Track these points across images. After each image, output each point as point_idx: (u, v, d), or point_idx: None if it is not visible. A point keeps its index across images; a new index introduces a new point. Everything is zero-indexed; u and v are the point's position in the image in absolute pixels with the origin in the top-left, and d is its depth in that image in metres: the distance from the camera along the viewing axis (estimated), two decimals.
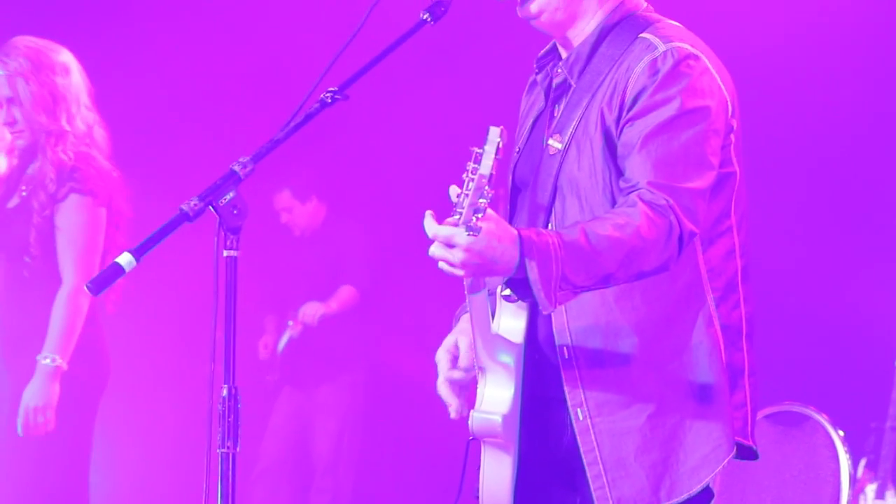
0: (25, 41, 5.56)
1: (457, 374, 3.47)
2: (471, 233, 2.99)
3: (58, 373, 5.34)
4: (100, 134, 5.60)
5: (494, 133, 3.02)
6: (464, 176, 3.02)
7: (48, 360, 5.34)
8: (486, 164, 3.00)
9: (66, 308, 5.34)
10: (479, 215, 2.99)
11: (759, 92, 6.75)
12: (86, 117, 5.57)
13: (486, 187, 3.00)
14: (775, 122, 7.04)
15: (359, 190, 8.26)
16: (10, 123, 5.53)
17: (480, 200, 3.00)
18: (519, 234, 3.08)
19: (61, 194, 5.44)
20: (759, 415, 6.09)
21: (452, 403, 3.47)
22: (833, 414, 6.15)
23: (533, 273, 3.07)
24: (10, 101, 5.51)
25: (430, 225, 3.06)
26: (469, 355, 3.43)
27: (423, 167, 7.66)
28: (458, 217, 3.02)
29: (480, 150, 3.01)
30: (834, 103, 7.00)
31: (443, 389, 3.48)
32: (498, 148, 3.02)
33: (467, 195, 3.00)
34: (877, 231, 6.96)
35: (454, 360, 3.49)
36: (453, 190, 3.07)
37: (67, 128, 5.51)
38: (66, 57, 5.59)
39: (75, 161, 5.49)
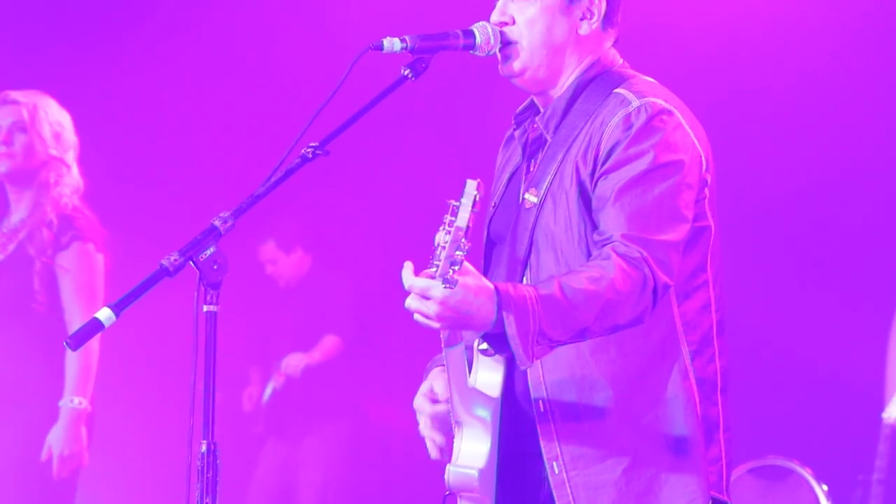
0: (39, 93, 5.68)
1: (441, 408, 3.49)
2: (447, 286, 3.01)
3: (83, 414, 5.42)
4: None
5: (471, 186, 3.04)
6: (441, 229, 3.04)
7: (73, 403, 5.39)
8: (463, 217, 3.01)
9: (81, 352, 5.38)
10: (456, 268, 3.01)
11: (736, 145, 6.80)
12: (77, 175, 5.65)
13: (463, 240, 3.02)
14: (757, 175, 7.07)
15: (344, 240, 8.27)
16: (4, 142, 5.59)
17: (457, 253, 3.01)
18: (496, 288, 3.10)
19: (63, 242, 5.51)
20: (743, 468, 6.11)
21: (436, 438, 3.48)
22: (817, 468, 6.15)
23: (511, 328, 3.09)
24: (15, 124, 5.58)
25: (407, 276, 3.08)
26: (446, 395, 3.44)
27: (408, 217, 7.67)
28: (434, 269, 3.03)
29: (457, 203, 3.03)
30: (816, 159, 7.03)
31: (426, 430, 3.49)
32: (475, 201, 3.03)
33: (444, 248, 3.02)
34: (861, 282, 6.98)
35: (434, 400, 3.50)
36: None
37: (72, 164, 5.59)
38: (69, 119, 5.70)
39: (73, 209, 5.57)
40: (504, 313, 3.08)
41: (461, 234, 3.01)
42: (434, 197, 7.81)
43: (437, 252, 3.02)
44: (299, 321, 8.24)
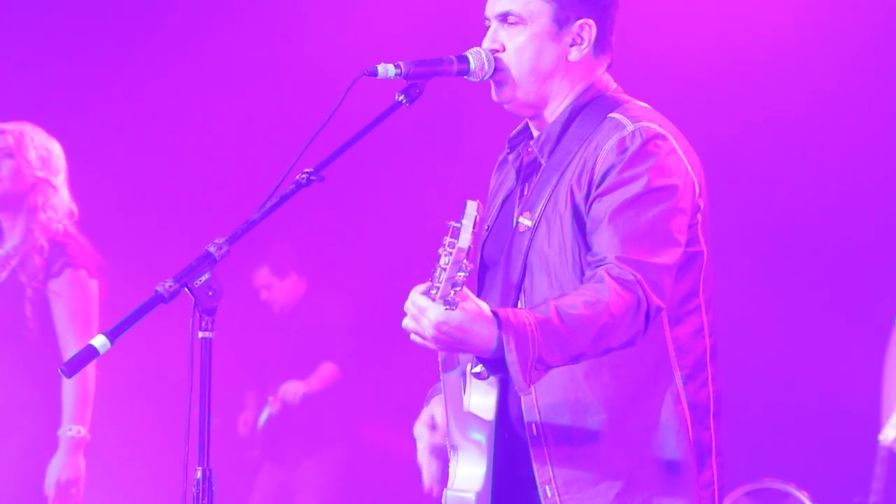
0: (26, 123, 5.69)
1: (439, 439, 3.52)
2: (448, 307, 3.02)
3: (82, 443, 5.42)
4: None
5: (472, 207, 3.05)
6: (440, 250, 3.05)
7: (72, 432, 5.38)
8: (465, 238, 3.02)
9: (77, 380, 5.38)
10: (458, 289, 3.02)
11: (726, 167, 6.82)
12: (69, 206, 5.65)
13: (465, 261, 3.03)
14: (752, 198, 7.08)
15: (338, 263, 8.28)
16: None
17: (459, 274, 3.02)
18: (496, 314, 3.11)
19: (55, 269, 5.50)
20: (739, 491, 6.10)
21: (432, 468, 3.52)
22: (814, 490, 6.14)
23: (511, 355, 3.10)
24: (1, 151, 5.60)
25: (414, 294, 3.08)
26: (444, 413, 3.45)
27: (402, 239, 7.69)
28: (434, 291, 3.04)
29: (458, 224, 3.04)
30: (810, 182, 7.05)
31: (424, 458, 3.52)
32: (475, 222, 3.05)
33: (444, 269, 3.02)
34: (856, 304, 6.98)
35: (434, 428, 3.52)
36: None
37: (61, 188, 5.59)
38: (60, 147, 5.71)
39: (64, 235, 5.56)
40: (504, 340, 3.09)
41: (462, 255, 3.02)
42: (427, 219, 7.85)
43: (437, 273, 3.04)
44: (295, 346, 8.24)
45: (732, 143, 6.84)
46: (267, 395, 8.24)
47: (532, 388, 3.28)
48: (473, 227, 3.03)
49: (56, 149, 5.70)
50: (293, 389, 8.10)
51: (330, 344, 8.19)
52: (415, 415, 3.64)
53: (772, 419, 7.13)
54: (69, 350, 5.41)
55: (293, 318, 8.30)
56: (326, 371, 8.15)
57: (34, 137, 5.66)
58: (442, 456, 3.48)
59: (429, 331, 3.06)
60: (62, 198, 5.64)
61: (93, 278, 5.53)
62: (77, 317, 5.45)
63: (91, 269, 5.54)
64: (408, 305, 3.08)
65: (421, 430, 3.54)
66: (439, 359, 3.29)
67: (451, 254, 3.02)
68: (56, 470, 5.39)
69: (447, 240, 3.03)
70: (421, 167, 7.77)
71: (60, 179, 5.67)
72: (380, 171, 7.75)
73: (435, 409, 3.55)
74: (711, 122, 6.49)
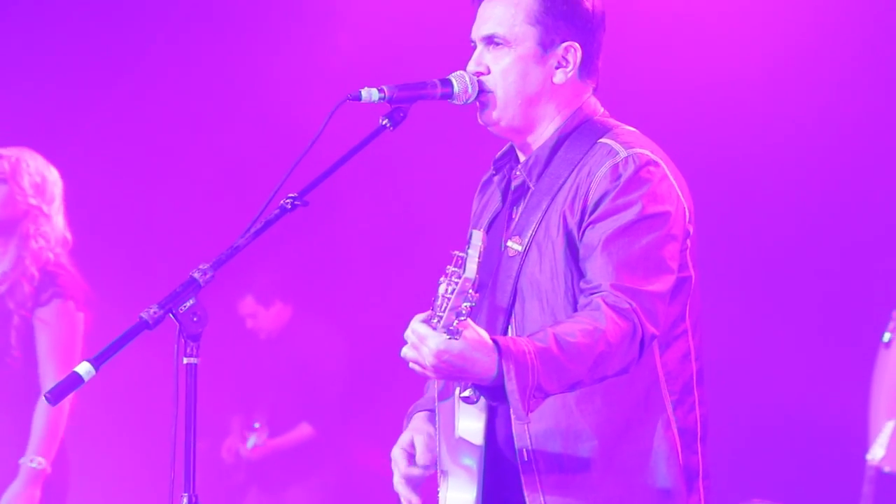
0: (24, 149, 5.67)
1: (415, 472, 3.50)
2: (451, 336, 3.01)
3: (41, 476, 5.35)
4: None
5: (477, 237, 3.05)
6: (441, 279, 3.04)
7: (34, 464, 5.34)
8: (471, 269, 3.02)
9: (49, 411, 5.34)
10: (462, 319, 3.02)
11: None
12: (63, 234, 5.63)
13: (470, 291, 3.02)
14: (738, 219, 7.09)
15: (323, 288, 8.27)
16: None
17: (464, 304, 3.02)
18: (496, 343, 3.10)
19: (43, 298, 5.48)
20: None
21: (412, 500, 3.49)
22: None
23: (511, 384, 3.09)
24: None
25: (414, 322, 3.08)
26: (426, 453, 3.44)
27: (387, 261, 7.68)
28: (436, 320, 3.03)
29: (463, 254, 3.04)
30: (795, 203, 7.06)
31: (401, 487, 3.50)
32: (480, 252, 3.04)
33: (449, 298, 3.02)
34: (844, 324, 6.98)
35: (411, 457, 3.51)
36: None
37: (55, 216, 5.57)
38: (59, 179, 5.72)
39: (54, 264, 5.54)
40: (504, 368, 3.08)
41: (469, 285, 3.02)
42: (409, 242, 7.81)
43: (440, 303, 3.04)
44: (282, 371, 8.22)
45: (719, 165, 6.85)
46: (253, 420, 8.21)
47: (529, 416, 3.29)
48: (479, 257, 3.03)
49: (52, 176, 5.68)
50: (256, 444, 8.13)
51: (317, 369, 8.18)
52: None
53: (759, 439, 7.12)
54: (47, 379, 5.39)
55: (280, 345, 8.29)
56: (303, 431, 8.16)
57: (30, 164, 5.65)
58: (418, 487, 3.47)
59: (429, 359, 3.05)
60: (55, 226, 5.62)
61: (80, 310, 5.51)
62: (60, 347, 5.43)
63: (79, 301, 5.51)
64: (408, 334, 3.08)
65: (398, 456, 3.53)
66: (437, 387, 3.29)
67: (455, 283, 3.02)
68: (9, 499, 5.33)
69: (450, 269, 3.03)
70: (401, 189, 7.76)
71: (55, 207, 5.66)
72: (359, 195, 7.74)
73: (416, 433, 3.54)
74: (697, 147, 6.50)
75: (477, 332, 3.07)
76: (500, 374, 3.08)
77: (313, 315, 8.34)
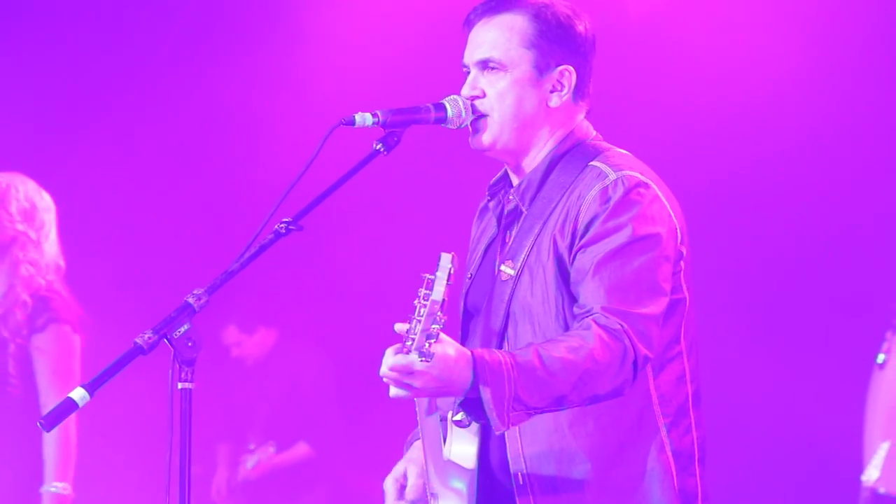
0: (21, 175, 5.68)
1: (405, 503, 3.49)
2: (423, 358, 3.02)
3: (67, 500, 5.35)
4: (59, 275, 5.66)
5: (446, 259, 3.05)
6: (415, 302, 3.04)
7: (55, 489, 5.33)
8: (439, 290, 3.02)
9: (59, 436, 5.33)
10: (433, 341, 3.02)
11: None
12: (55, 259, 5.61)
13: (439, 313, 3.03)
14: (733, 238, 7.09)
15: (306, 311, 8.24)
16: None
17: (433, 326, 3.02)
18: (472, 354, 3.11)
19: (39, 325, 5.47)
20: None
21: None
22: None
23: (486, 393, 3.10)
24: None
25: (386, 358, 3.08)
26: (417, 487, 3.44)
27: (370, 283, 7.67)
28: (410, 342, 3.04)
29: (432, 277, 3.04)
30: (790, 222, 7.07)
31: None
32: (450, 274, 3.04)
33: (419, 321, 3.03)
34: (838, 345, 6.98)
35: (401, 489, 3.51)
36: (400, 327, 3.09)
37: (44, 242, 5.55)
38: (51, 203, 5.72)
39: (47, 289, 5.52)
40: (479, 379, 3.10)
41: (437, 307, 3.02)
42: (388, 264, 7.77)
43: (412, 325, 3.03)
44: (270, 395, 8.21)
45: (712, 187, 6.86)
46: (243, 446, 8.19)
47: (516, 435, 3.29)
48: (448, 280, 3.03)
49: (43, 202, 5.65)
50: (256, 461, 8.10)
51: (307, 389, 8.17)
52: (394, 460, 3.63)
53: (754, 461, 7.12)
54: (50, 405, 5.37)
55: (267, 369, 8.28)
56: (300, 450, 8.15)
57: (20, 189, 5.63)
58: None
59: (415, 383, 3.07)
60: (45, 252, 5.59)
61: (76, 333, 5.50)
62: (60, 372, 5.42)
63: (74, 324, 5.50)
64: (383, 370, 3.08)
65: (389, 487, 3.54)
66: (418, 405, 3.29)
67: (425, 305, 3.02)
68: None
69: (422, 291, 3.03)
70: (378, 212, 7.73)
71: (45, 233, 5.63)
72: (339, 217, 7.72)
73: (410, 463, 3.53)
74: (690, 169, 6.51)
75: (451, 349, 3.08)
76: (476, 385, 3.10)
77: (298, 337, 8.33)
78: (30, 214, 5.61)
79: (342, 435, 8.25)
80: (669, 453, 3.38)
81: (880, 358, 6.01)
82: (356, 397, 8.03)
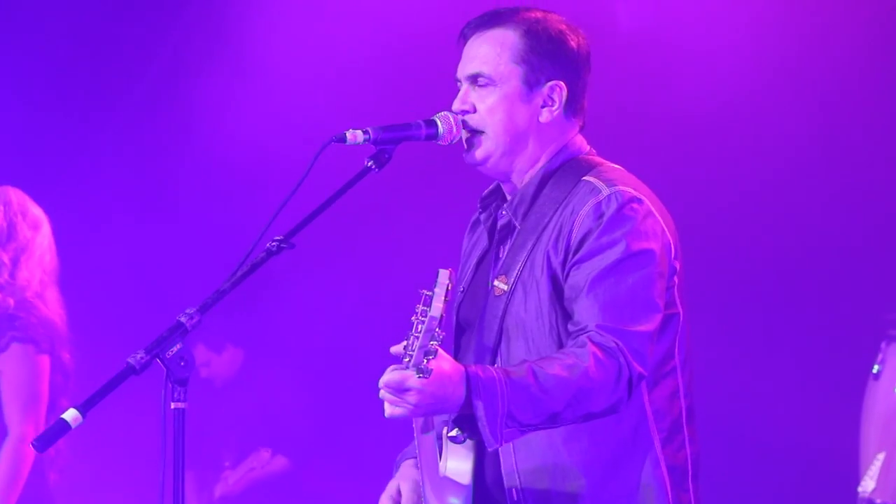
0: (13, 188, 5.62)
1: None
2: (422, 375, 3.02)
3: None
4: (52, 296, 5.60)
5: (444, 276, 3.05)
6: (413, 318, 3.04)
7: None
8: (437, 307, 3.03)
9: (11, 459, 5.33)
10: (431, 357, 3.02)
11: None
12: (39, 276, 5.57)
13: (437, 329, 3.03)
14: (727, 250, 7.10)
15: (273, 329, 8.20)
16: None
17: (432, 343, 3.03)
18: (466, 370, 3.12)
19: (2, 343, 5.44)
20: None
21: None
22: None
23: (479, 410, 3.11)
24: None
25: (387, 374, 3.09)
26: (412, 499, 3.43)
27: (341, 300, 7.66)
28: (407, 359, 3.04)
29: (430, 293, 3.04)
30: (785, 234, 7.07)
31: None
32: (447, 290, 3.05)
33: (417, 337, 3.03)
34: (834, 355, 6.98)
35: None
36: (395, 349, 3.09)
37: (6, 262, 5.51)
38: (40, 216, 5.65)
39: (15, 308, 5.48)
40: (473, 394, 3.10)
41: (435, 323, 3.03)
42: (365, 280, 7.72)
43: (410, 341, 3.04)
44: (243, 415, 8.18)
45: (707, 201, 6.87)
46: (218, 466, 8.17)
47: (510, 451, 3.29)
48: (446, 296, 3.04)
49: (28, 219, 5.60)
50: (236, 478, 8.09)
51: (278, 412, 8.13)
52: (371, 474, 3.63)
53: (749, 473, 7.11)
54: (12, 424, 5.37)
55: (237, 388, 8.24)
56: (278, 463, 8.12)
57: (27, 204, 5.61)
58: None
59: (408, 399, 3.08)
60: (25, 269, 5.55)
61: (42, 354, 5.46)
62: (21, 391, 5.39)
63: (41, 344, 5.46)
64: (382, 392, 3.10)
65: (385, 503, 3.53)
66: (415, 423, 3.28)
67: (423, 322, 3.02)
68: None
69: (419, 308, 3.04)
70: (351, 226, 7.71)
71: (31, 251, 5.59)
72: (309, 232, 7.69)
73: (403, 481, 3.53)
74: (680, 186, 6.51)
75: (448, 365, 3.10)
76: (470, 402, 3.10)
77: (268, 355, 8.28)
78: (7, 235, 5.55)
79: (317, 453, 8.22)
80: (664, 468, 3.37)
81: (875, 368, 6.01)
82: (330, 414, 8.01)
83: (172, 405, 3.24)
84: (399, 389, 3.07)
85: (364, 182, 3.46)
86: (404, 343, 3.07)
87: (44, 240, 5.63)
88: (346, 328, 7.45)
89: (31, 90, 7.75)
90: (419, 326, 3.03)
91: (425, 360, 3.02)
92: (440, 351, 3.06)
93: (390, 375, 3.08)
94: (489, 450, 3.25)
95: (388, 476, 3.60)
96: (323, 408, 8.01)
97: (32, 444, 3.19)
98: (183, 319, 3.24)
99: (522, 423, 3.16)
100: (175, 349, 3.22)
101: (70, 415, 3.13)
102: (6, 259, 5.54)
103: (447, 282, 3.04)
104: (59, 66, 7.77)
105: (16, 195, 5.65)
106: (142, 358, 3.18)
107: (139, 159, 7.82)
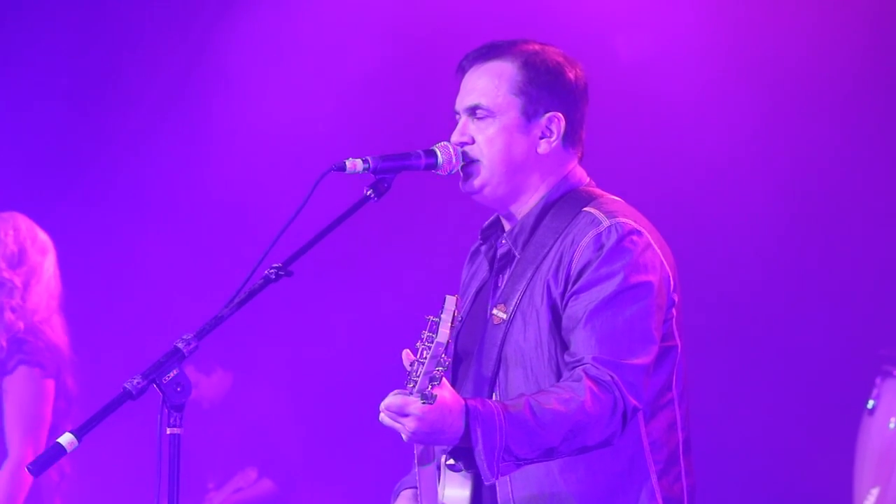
0: (20, 215, 5.65)
1: None
2: (426, 401, 3.03)
3: None
4: (58, 322, 5.62)
5: (451, 302, 3.06)
6: (417, 344, 3.05)
7: None
8: (443, 333, 3.04)
9: (8, 481, 5.34)
10: (435, 383, 3.03)
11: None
12: (46, 301, 5.59)
13: (443, 356, 3.04)
14: (721, 267, 7.10)
15: (263, 352, 8.20)
16: None
17: (438, 369, 3.04)
18: (465, 403, 3.13)
19: (9, 366, 5.45)
20: None
21: None
22: None
23: (477, 444, 3.12)
24: None
25: (390, 397, 3.09)
26: None
27: (331, 325, 7.66)
28: (412, 384, 3.05)
29: (436, 319, 3.05)
30: (781, 247, 7.09)
31: None
32: (454, 317, 3.06)
33: (422, 363, 3.04)
34: (829, 392, 6.98)
35: None
36: (407, 357, 3.10)
37: (18, 285, 5.53)
38: (47, 242, 5.68)
39: (25, 332, 5.50)
40: (472, 428, 3.11)
41: (441, 349, 3.04)
42: (354, 306, 7.69)
43: (415, 367, 3.05)
44: (228, 438, 8.17)
45: (705, 233, 6.89)
46: (207, 483, 8.15)
47: (506, 480, 3.29)
48: (452, 322, 3.05)
49: (36, 244, 5.63)
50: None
51: (264, 435, 8.12)
52: (364, 501, 3.63)
53: (747, 496, 7.11)
54: (12, 447, 5.38)
55: (222, 412, 8.22)
56: (264, 486, 8.11)
57: (10, 234, 5.61)
58: None
59: (409, 424, 3.09)
60: (35, 294, 5.58)
61: (48, 378, 5.47)
62: (24, 414, 5.40)
63: (48, 368, 5.47)
64: (384, 415, 3.10)
65: None
66: (416, 452, 3.29)
67: (428, 348, 3.03)
68: None
69: (425, 333, 3.04)
70: (342, 252, 7.72)
71: (39, 275, 5.61)
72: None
73: None
74: (679, 217, 6.53)
75: (449, 395, 3.11)
76: (468, 435, 3.11)
77: (257, 378, 8.27)
78: (18, 259, 5.59)
79: (303, 477, 8.20)
80: (660, 500, 3.38)
81: (870, 404, 6.02)
82: (317, 438, 7.99)
83: (168, 430, 3.24)
84: (400, 414, 3.08)
85: (360, 210, 3.47)
86: (409, 370, 3.07)
87: (51, 265, 5.66)
88: (334, 352, 7.45)
89: (31, 112, 7.78)
90: (425, 352, 3.04)
91: (430, 387, 3.03)
92: (444, 380, 3.07)
93: (392, 399, 3.09)
94: (486, 482, 3.26)
95: (374, 497, 3.61)
96: (309, 431, 8.00)
97: (28, 468, 3.19)
98: (180, 345, 3.26)
99: (519, 457, 3.17)
100: (171, 375, 3.22)
101: (65, 439, 3.13)
102: (18, 282, 5.57)
103: (453, 308, 3.06)
104: (61, 93, 7.80)
105: (24, 221, 5.69)
106: (138, 383, 3.19)
107: (140, 188, 7.83)
